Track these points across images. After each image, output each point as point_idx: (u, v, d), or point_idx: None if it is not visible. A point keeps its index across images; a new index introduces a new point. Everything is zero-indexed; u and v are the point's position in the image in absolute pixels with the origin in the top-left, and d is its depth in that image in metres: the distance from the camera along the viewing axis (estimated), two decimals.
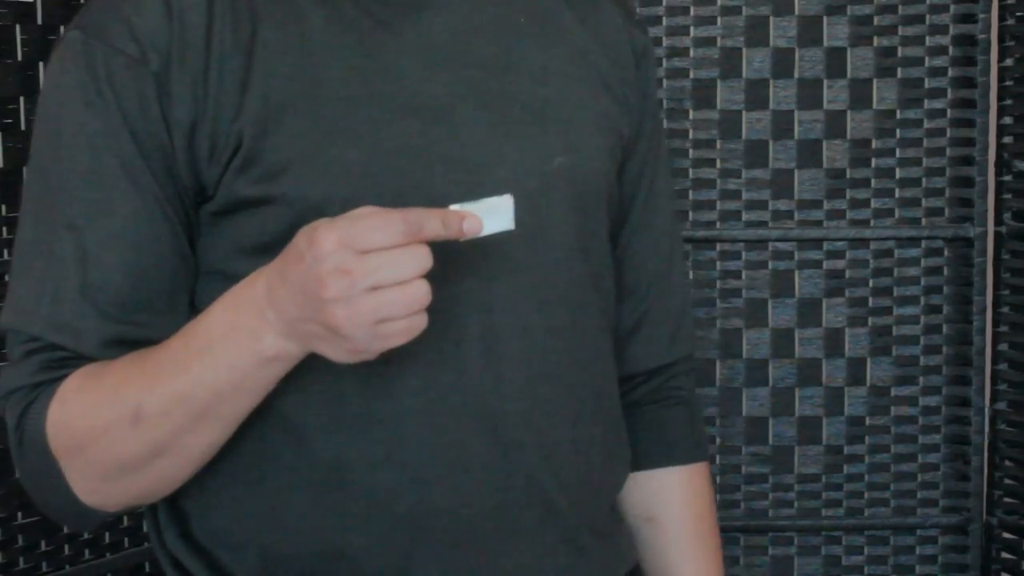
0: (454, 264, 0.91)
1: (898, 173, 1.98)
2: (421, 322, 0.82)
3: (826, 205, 1.98)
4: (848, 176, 1.98)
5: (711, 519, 1.15)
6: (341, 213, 0.83)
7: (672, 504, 1.13)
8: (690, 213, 1.99)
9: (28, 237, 0.94)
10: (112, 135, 0.91)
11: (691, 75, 1.97)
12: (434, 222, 0.81)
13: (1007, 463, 2.02)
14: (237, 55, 0.91)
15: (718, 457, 2.02)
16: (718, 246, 1.99)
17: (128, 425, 0.88)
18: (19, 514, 1.80)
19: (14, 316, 0.94)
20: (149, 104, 0.91)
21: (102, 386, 0.90)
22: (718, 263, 1.99)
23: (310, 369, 0.90)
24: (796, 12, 1.96)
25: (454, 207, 0.84)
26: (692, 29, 1.96)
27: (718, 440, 2.03)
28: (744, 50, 1.97)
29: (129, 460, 0.90)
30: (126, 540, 1.93)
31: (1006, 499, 2.03)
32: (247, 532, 0.95)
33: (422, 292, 0.81)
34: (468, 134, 0.95)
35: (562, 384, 0.98)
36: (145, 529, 1.92)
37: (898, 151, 1.97)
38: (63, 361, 0.92)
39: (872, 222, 1.99)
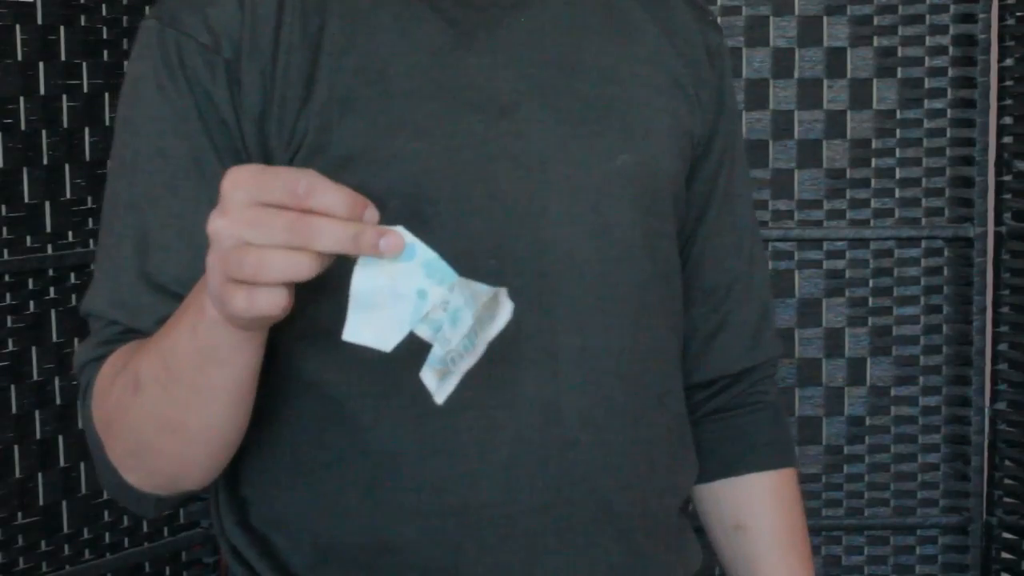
0: (511, 259, 0.91)
1: (898, 173, 1.98)
2: (265, 297, 0.73)
3: (826, 205, 1.99)
4: (848, 176, 1.98)
5: (802, 527, 1.12)
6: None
7: (761, 511, 1.11)
8: None
9: (104, 219, 0.97)
10: (182, 119, 0.92)
11: None
12: (331, 198, 0.73)
13: (1007, 463, 2.02)
14: (304, 48, 0.93)
15: None
16: None
17: (131, 394, 0.88)
18: (19, 514, 1.80)
19: (88, 298, 0.96)
20: (220, 90, 0.92)
21: (124, 358, 0.91)
22: None
23: (364, 361, 0.88)
24: (796, 12, 1.97)
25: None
26: None
27: None
28: (744, 50, 1.97)
29: (140, 434, 0.90)
30: (126, 540, 1.93)
31: (1006, 499, 2.03)
32: (302, 521, 0.96)
33: (274, 262, 0.72)
34: (532, 131, 0.95)
35: (623, 383, 0.97)
36: (146, 529, 1.93)
37: (898, 151, 1.98)
38: (123, 336, 0.94)
39: (872, 222, 2.00)
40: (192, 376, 0.85)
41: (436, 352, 0.75)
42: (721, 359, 1.11)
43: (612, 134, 0.98)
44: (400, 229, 0.74)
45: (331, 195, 0.73)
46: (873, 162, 1.97)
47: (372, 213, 0.74)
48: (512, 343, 0.89)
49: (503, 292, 0.76)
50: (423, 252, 0.75)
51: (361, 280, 0.74)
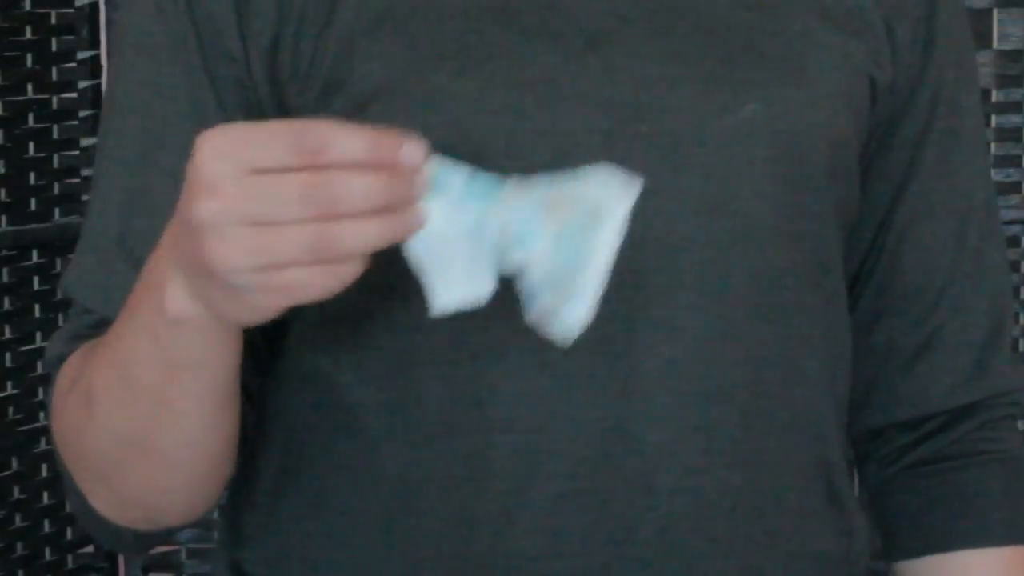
0: None
1: None
2: (321, 279, 0.63)
3: None
4: None
5: None
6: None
7: None
8: None
9: (92, 176, 0.87)
10: (178, 48, 0.80)
11: None
12: (351, 144, 0.62)
13: None
14: None
15: None
16: None
17: (84, 412, 0.78)
18: (16, 516, 1.79)
19: (65, 275, 0.86)
20: (225, 11, 0.80)
21: (80, 364, 0.81)
22: None
23: (382, 360, 0.80)
24: None
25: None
26: None
27: None
28: None
29: (102, 457, 0.80)
30: None
31: None
32: (306, 560, 0.84)
33: (323, 236, 0.62)
34: (627, 68, 0.78)
35: (734, 411, 0.80)
36: None
37: None
38: (97, 328, 0.82)
39: None
40: (157, 386, 0.74)
41: (526, 289, 0.65)
42: (930, 391, 0.90)
43: (743, 75, 0.80)
44: (417, 150, 0.63)
45: (350, 142, 0.61)
46: None
47: (412, 154, 0.62)
48: (572, 349, 0.74)
49: (600, 170, 0.64)
50: (456, 175, 0.64)
51: (420, 240, 0.64)
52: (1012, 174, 1.76)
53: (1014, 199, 1.76)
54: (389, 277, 0.71)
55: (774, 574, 0.83)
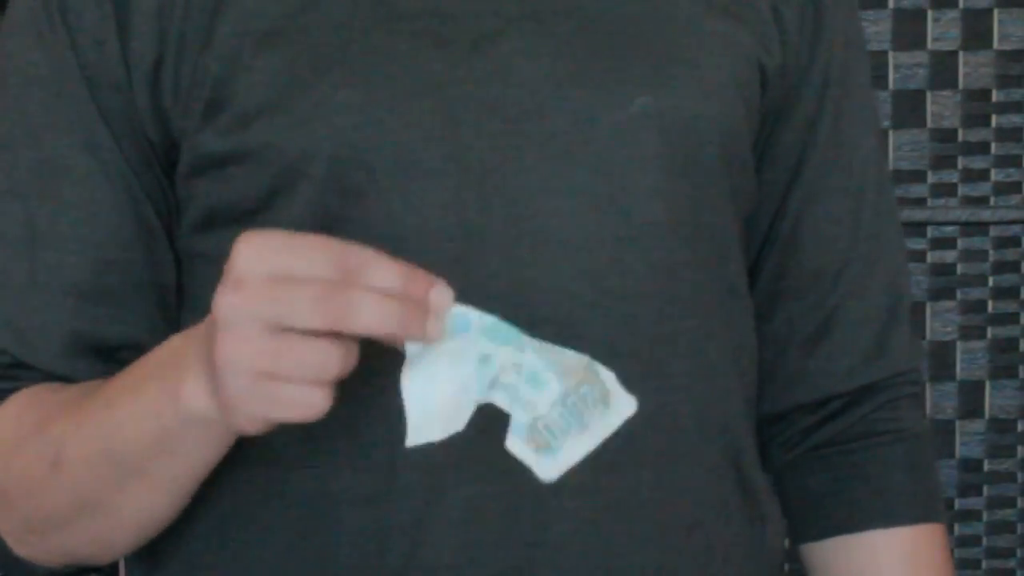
0: (477, 242, 0.78)
1: None
2: (316, 401, 0.65)
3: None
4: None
5: None
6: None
7: None
8: None
9: None
10: (63, 78, 0.80)
11: None
12: (385, 272, 0.64)
13: None
14: None
15: None
16: None
17: (48, 470, 0.78)
18: None
19: None
20: (107, 38, 0.80)
21: (35, 419, 0.80)
22: None
23: None
24: None
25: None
26: None
27: None
28: None
29: (53, 513, 0.80)
30: None
31: None
32: None
33: (330, 358, 0.64)
34: (516, 69, 0.78)
35: (644, 408, 0.76)
36: None
37: None
38: (10, 370, 0.82)
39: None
40: (140, 463, 0.75)
41: (519, 419, 0.68)
42: (830, 372, 0.91)
43: (631, 69, 0.80)
44: (445, 292, 0.67)
45: (388, 269, 0.64)
46: None
47: (440, 295, 0.65)
48: None
49: (611, 378, 0.68)
50: (480, 318, 0.67)
51: (414, 378, 0.67)
52: (1012, 174, 1.78)
53: (1014, 199, 1.78)
54: None
55: (691, 567, 0.84)
